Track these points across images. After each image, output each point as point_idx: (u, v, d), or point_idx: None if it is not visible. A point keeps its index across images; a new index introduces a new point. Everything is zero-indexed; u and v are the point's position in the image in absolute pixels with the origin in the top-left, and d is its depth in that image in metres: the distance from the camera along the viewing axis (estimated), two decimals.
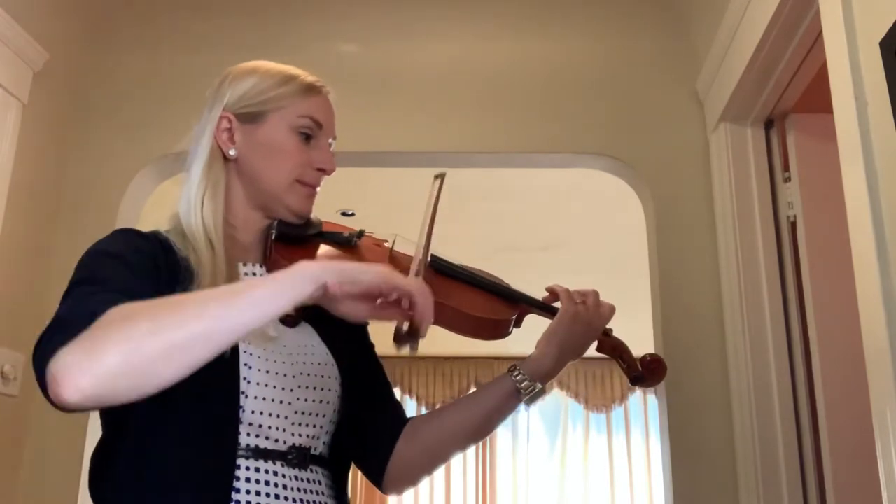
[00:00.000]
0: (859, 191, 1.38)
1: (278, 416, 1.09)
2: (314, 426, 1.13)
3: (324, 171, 1.22)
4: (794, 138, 2.13)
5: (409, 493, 6.74)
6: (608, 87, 2.46)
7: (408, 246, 1.29)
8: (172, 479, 1.02)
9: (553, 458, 7.17)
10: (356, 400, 1.20)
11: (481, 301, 1.29)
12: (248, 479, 1.05)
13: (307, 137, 1.20)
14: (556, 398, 7.18)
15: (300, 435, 1.11)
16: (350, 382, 1.20)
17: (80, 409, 0.84)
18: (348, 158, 2.23)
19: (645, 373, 1.34)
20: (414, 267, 1.17)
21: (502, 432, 7.04)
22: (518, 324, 1.33)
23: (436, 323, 1.25)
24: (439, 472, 6.54)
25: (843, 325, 1.84)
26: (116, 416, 1.06)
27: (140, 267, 1.04)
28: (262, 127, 1.19)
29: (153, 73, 2.51)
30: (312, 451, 1.13)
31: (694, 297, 2.25)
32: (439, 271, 1.31)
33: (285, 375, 1.10)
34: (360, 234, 1.30)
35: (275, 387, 1.09)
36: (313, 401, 1.13)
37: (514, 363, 1.27)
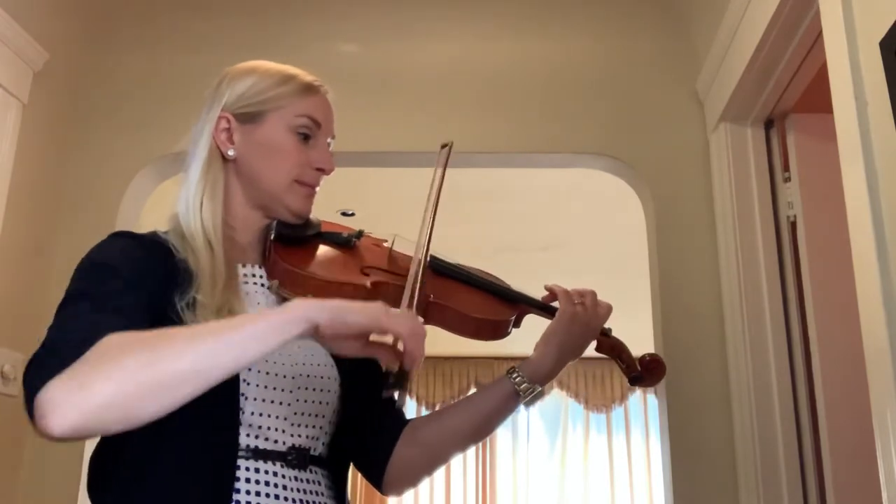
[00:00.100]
0: (859, 191, 1.38)
1: (278, 417, 1.09)
2: (314, 427, 1.13)
3: (323, 171, 1.21)
4: (794, 138, 2.13)
5: (409, 494, 6.74)
6: (608, 87, 2.46)
7: (407, 246, 1.29)
8: (173, 480, 1.02)
9: (553, 458, 7.17)
10: (355, 401, 1.20)
11: (481, 302, 1.29)
12: (247, 480, 1.05)
13: (306, 137, 1.20)
14: (556, 398, 7.18)
15: (300, 436, 1.11)
16: (349, 383, 1.19)
17: (65, 440, 0.85)
18: (348, 158, 2.23)
19: (644, 373, 1.34)
20: (406, 297, 1.15)
21: (502, 432, 7.04)
22: (517, 324, 1.33)
23: (435, 324, 1.26)
24: (439, 473, 6.54)
25: (843, 325, 1.84)
26: None
27: (133, 279, 1.04)
28: (260, 127, 1.18)
29: (153, 73, 2.51)
30: (312, 452, 1.13)
31: (694, 297, 2.25)
32: (439, 272, 1.30)
33: (285, 377, 1.10)
34: (360, 234, 1.30)
35: (274, 388, 1.09)
36: (313, 402, 1.13)
37: (513, 366, 1.27)
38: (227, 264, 1.12)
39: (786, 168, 2.16)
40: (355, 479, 5.95)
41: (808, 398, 1.99)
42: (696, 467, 2.12)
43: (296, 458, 1.10)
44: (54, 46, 2.31)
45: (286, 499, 1.06)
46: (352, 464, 1.25)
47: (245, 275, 1.17)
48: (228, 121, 1.18)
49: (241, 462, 1.05)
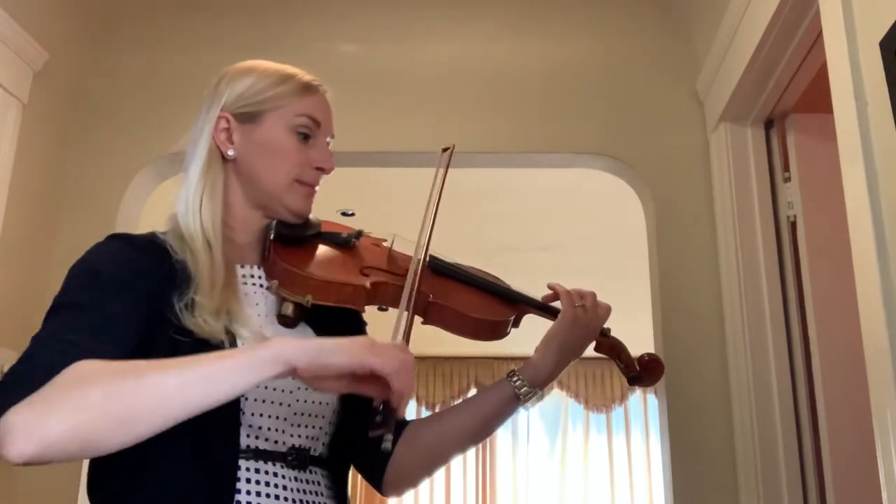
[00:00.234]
0: (859, 191, 1.38)
1: (277, 418, 1.08)
2: (313, 427, 1.13)
3: (322, 171, 1.21)
4: (794, 138, 2.13)
5: (409, 494, 6.73)
6: (608, 87, 2.46)
7: (407, 246, 1.29)
8: (174, 481, 1.02)
9: (553, 459, 7.17)
10: (355, 402, 1.20)
11: (480, 302, 1.29)
12: (248, 480, 1.05)
13: (305, 137, 1.19)
14: (556, 398, 7.19)
15: (299, 436, 1.11)
16: None
17: (27, 465, 0.86)
18: (348, 158, 2.23)
19: (643, 372, 1.34)
20: (404, 297, 1.15)
21: (502, 433, 7.04)
22: (516, 324, 1.33)
23: (435, 324, 1.26)
24: (439, 473, 6.54)
25: (843, 325, 1.84)
26: None
27: (124, 287, 1.03)
28: (260, 127, 1.18)
29: (153, 73, 2.51)
30: (312, 453, 1.13)
31: (694, 297, 2.25)
32: (438, 272, 1.30)
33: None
34: (359, 234, 1.30)
35: (274, 388, 1.08)
36: (312, 402, 1.13)
37: (514, 369, 1.28)
38: (225, 265, 1.11)
39: (786, 168, 2.16)
40: (355, 480, 5.95)
41: (808, 398, 1.99)
42: (696, 467, 2.12)
43: (296, 458, 1.09)
44: (54, 46, 2.31)
45: (286, 499, 1.06)
46: (352, 465, 1.25)
47: (244, 275, 1.17)
48: (228, 121, 1.18)
49: (241, 462, 1.05)
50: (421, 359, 7.03)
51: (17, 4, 2.14)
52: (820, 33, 1.66)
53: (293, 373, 0.90)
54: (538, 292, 1.35)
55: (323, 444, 1.16)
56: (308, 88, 1.21)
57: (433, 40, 2.56)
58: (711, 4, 2.23)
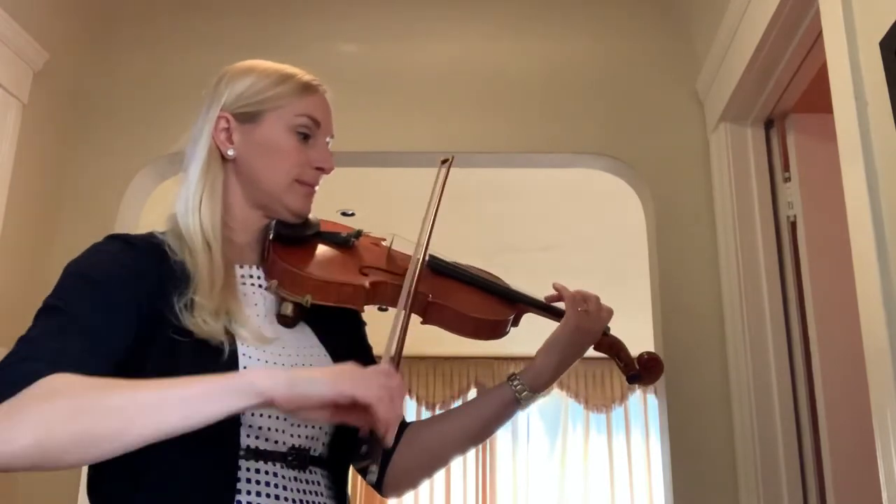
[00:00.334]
0: (859, 191, 1.38)
1: (278, 418, 1.08)
2: (313, 427, 1.13)
3: (322, 171, 1.21)
4: (794, 138, 2.13)
5: (409, 495, 6.73)
6: (608, 87, 2.46)
7: (406, 245, 1.29)
8: (174, 481, 1.02)
9: (553, 459, 7.17)
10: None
11: (479, 301, 1.29)
12: (248, 480, 1.05)
13: (305, 137, 1.19)
14: (556, 398, 7.18)
15: (299, 436, 1.11)
16: None
17: None
18: (348, 158, 2.23)
19: (642, 371, 1.35)
20: (403, 297, 1.14)
21: (502, 433, 7.04)
22: (516, 323, 1.33)
23: (434, 323, 1.26)
24: (439, 473, 6.54)
25: (843, 325, 1.84)
26: None
27: (117, 291, 1.03)
28: (259, 127, 1.18)
29: (153, 73, 2.51)
30: (312, 453, 1.12)
31: (694, 297, 2.25)
32: (437, 271, 1.30)
33: None
34: (359, 234, 1.30)
35: None
36: None
37: (514, 372, 1.29)
38: (225, 265, 1.11)
39: (786, 168, 2.15)
40: (355, 480, 5.95)
41: (808, 398, 1.99)
42: (696, 467, 2.12)
43: (296, 458, 1.09)
44: (54, 46, 2.31)
45: (286, 499, 1.06)
46: (351, 465, 1.25)
47: (243, 276, 1.17)
48: (228, 121, 1.18)
49: (241, 462, 1.05)
50: (421, 359, 7.03)
51: (17, 4, 2.14)
52: (820, 33, 1.66)
53: (271, 404, 0.89)
54: (538, 292, 1.35)
55: (323, 444, 1.16)
56: (308, 88, 1.21)
57: (433, 40, 2.56)
58: (711, 4, 2.23)
